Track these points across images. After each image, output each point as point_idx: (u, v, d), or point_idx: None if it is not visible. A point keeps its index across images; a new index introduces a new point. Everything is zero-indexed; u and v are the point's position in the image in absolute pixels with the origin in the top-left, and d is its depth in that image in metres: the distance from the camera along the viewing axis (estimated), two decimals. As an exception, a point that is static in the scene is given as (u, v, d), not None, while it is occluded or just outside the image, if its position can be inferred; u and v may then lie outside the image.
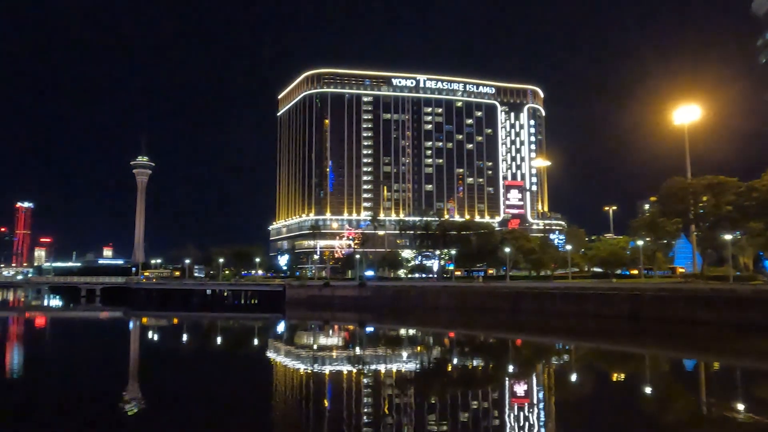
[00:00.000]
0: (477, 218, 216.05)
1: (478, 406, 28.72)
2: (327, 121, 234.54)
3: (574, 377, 38.86)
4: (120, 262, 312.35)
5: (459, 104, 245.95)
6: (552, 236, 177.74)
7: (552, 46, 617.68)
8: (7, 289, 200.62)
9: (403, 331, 74.10)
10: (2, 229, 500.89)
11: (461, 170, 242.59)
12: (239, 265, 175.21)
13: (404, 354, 51.08)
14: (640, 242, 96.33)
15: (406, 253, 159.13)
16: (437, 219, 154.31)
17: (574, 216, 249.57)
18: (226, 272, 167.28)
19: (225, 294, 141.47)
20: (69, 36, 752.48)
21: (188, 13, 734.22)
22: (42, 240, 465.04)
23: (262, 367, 43.83)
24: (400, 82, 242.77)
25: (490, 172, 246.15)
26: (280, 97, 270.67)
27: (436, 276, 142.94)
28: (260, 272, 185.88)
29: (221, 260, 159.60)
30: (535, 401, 30.67)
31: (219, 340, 66.73)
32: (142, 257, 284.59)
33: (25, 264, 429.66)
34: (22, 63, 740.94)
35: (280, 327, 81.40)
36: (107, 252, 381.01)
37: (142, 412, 27.37)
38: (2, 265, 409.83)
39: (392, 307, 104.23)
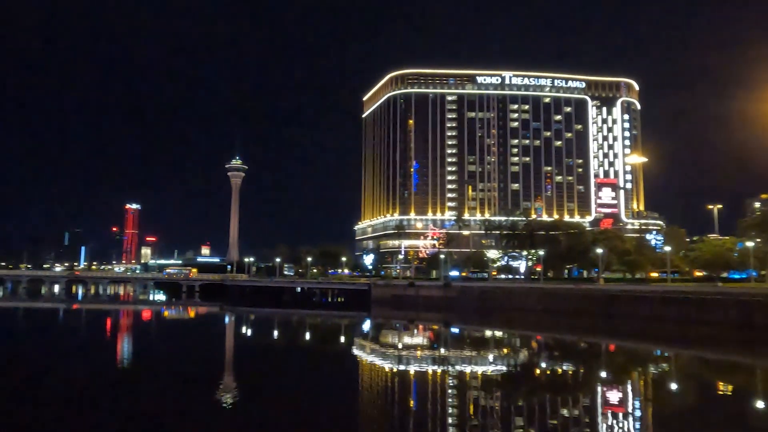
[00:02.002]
0: (566, 218, 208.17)
1: (569, 413, 27.71)
2: (411, 121, 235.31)
3: (673, 387, 36.51)
4: (216, 260, 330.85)
5: (547, 100, 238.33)
6: (648, 236, 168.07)
7: (647, 34, 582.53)
8: (119, 284, 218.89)
9: (488, 333, 72.96)
10: (114, 229, 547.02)
11: (549, 168, 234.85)
12: (326, 264, 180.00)
13: (490, 356, 50.29)
14: (750, 243, 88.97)
15: (492, 254, 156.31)
16: (524, 218, 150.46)
17: (672, 216, 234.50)
18: (314, 271, 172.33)
19: (313, 291, 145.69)
20: (166, 47, 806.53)
21: (278, 20, 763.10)
22: (147, 239, 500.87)
23: (349, 364, 44.71)
24: (484, 80, 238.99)
25: (580, 169, 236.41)
26: (364, 99, 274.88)
27: (523, 277, 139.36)
28: (346, 271, 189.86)
29: (309, 259, 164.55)
30: (629, 410, 29.15)
31: (308, 335, 68.88)
32: (236, 255, 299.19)
33: (133, 261, 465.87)
34: (130, 78, 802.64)
35: (366, 325, 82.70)
36: (205, 250, 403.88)
37: (236, 401, 28.81)
38: (114, 262, 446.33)
39: (478, 308, 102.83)
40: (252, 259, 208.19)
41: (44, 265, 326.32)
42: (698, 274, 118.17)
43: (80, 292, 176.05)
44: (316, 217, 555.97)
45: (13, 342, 56.03)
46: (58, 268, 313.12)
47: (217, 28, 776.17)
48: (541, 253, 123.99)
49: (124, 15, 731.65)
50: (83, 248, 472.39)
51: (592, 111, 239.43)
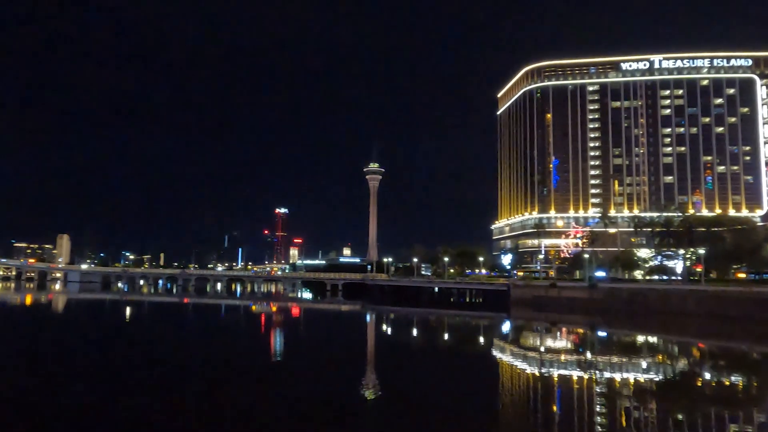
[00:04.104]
0: (731, 212, 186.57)
1: (739, 430, 24.74)
2: (549, 115, 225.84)
3: None
4: (356, 260, 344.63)
5: (704, 83, 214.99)
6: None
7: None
8: (270, 283, 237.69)
9: (640, 338, 67.63)
10: (265, 232, 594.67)
11: (709, 158, 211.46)
12: (463, 264, 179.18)
13: (643, 363, 46.54)
14: None
15: (643, 253, 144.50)
16: (680, 214, 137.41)
17: None
18: (451, 271, 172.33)
19: (451, 292, 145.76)
20: (306, 55, 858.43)
21: (409, 23, 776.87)
22: (295, 241, 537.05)
23: (488, 366, 44.06)
24: (630, 66, 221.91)
25: (747, 157, 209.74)
26: (499, 95, 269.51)
27: (681, 278, 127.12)
28: (484, 271, 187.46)
29: (446, 259, 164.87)
30: (818, 432, 25.24)
31: (446, 336, 69.05)
32: (375, 256, 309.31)
33: (282, 261, 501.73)
34: (277, 93, 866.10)
35: (505, 326, 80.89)
36: (346, 251, 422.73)
37: (377, 397, 29.70)
38: (266, 262, 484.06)
39: (627, 311, 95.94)
40: (390, 259, 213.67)
41: (208, 265, 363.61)
42: None
43: (238, 289, 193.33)
44: (452, 217, 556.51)
45: (202, 333, 63.09)
46: (219, 268, 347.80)
47: (349, 33, 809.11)
48: (702, 251, 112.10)
49: (290, 22, 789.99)
50: (240, 250, 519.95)
51: (761, 91, 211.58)
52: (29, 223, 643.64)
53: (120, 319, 78.38)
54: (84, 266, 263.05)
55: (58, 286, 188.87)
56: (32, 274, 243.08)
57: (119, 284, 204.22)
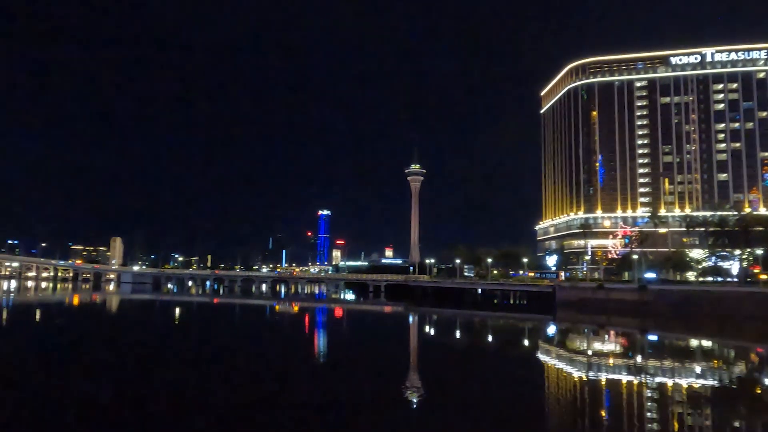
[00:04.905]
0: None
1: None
2: (594, 112, 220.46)
3: None
4: (398, 261, 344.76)
5: (761, 75, 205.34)
6: None
7: None
8: (314, 284, 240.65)
9: (694, 342, 65.19)
10: (308, 234, 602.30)
11: (766, 154, 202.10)
12: (507, 265, 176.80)
13: (697, 368, 44.79)
14: None
15: (696, 254, 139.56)
16: (736, 213, 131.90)
17: None
18: (494, 272, 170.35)
19: (494, 293, 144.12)
20: (354, 65, 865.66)
21: (451, 22, 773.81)
22: (337, 242, 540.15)
23: (534, 369, 43.28)
24: (680, 60, 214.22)
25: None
26: (542, 94, 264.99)
27: (736, 280, 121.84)
28: (528, 272, 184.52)
29: (489, 260, 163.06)
30: None
31: (490, 337, 68.28)
32: (417, 257, 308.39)
33: (326, 263, 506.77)
34: (321, 96, 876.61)
35: (551, 329, 79.35)
36: (388, 252, 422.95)
37: (421, 398, 29.60)
38: (309, 263, 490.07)
39: (679, 313, 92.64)
40: (432, 260, 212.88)
41: (253, 267, 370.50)
42: None
43: (282, 290, 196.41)
44: (495, 218, 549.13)
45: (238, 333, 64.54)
46: (264, 270, 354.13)
47: (389, 34, 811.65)
48: (760, 252, 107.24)
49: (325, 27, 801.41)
50: (284, 251, 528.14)
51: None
52: (85, 226, 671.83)
53: (173, 319, 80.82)
54: (136, 268, 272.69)
55: (111, 287, 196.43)
56: (88, 276, 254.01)
57: (169, 285, 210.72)
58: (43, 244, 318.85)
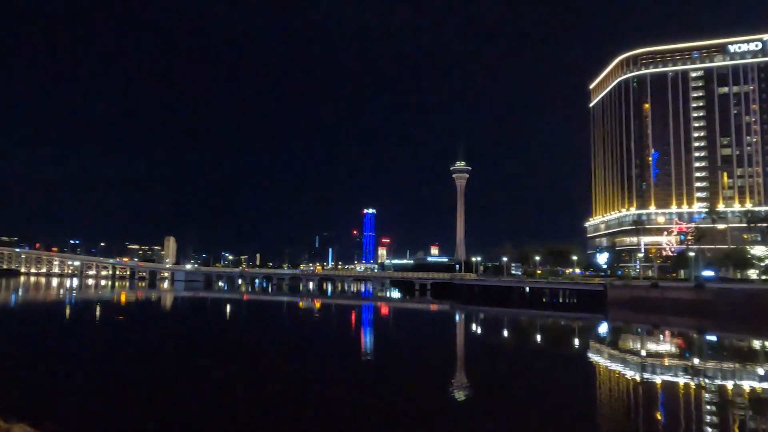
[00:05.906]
0: None
1: None
2: (647, 105, 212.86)
3: None
4: (444, 259, 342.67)
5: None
6: None
7: None
8: (360, 282, 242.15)
9: (756, 343, 62.18)
10: (354, 232, 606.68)
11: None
12: (555, 263, 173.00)
13: (760, 370, 42.73)
14: None
15: (758, 250, 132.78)
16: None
17: None
18: (542, 270, 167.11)
19: (542, 292, 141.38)
20: (399, 64, 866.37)
21: (496, 16, 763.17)
22: (383, 240, 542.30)
23: (585, 369, 42.29)
24: (739, 48, 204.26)
25: None
26: (591, 87, 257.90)
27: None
28: (577, 270, 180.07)
29: (537, 258, 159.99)
30: None
31: (539, 337, 67.09)
32: (463, 255, 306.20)
33: (371, 261, 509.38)
34: (363, 97, 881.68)
35: (603, 328, 77.29)
36: (434, 250, 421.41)
37: (468, 397, 29.39)
38: (355, 262, 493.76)
39: (740, 313, 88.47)
40: (479, 258, 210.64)
41: (300, 265, 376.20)
42: None
43: (329, 288, 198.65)
44: (542, 215, 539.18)
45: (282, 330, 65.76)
46: (311, 268, 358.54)
47: (434, 32, 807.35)
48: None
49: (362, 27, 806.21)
50: (330, 250, 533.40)
51: None
52: (141, 226, 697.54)
53: (227, 316, 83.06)
54: (188, 266, 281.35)
55: (166, 285, 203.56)
56: (144, 274, 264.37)
57: (220, 283, 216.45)
58: (102, 244, 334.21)
